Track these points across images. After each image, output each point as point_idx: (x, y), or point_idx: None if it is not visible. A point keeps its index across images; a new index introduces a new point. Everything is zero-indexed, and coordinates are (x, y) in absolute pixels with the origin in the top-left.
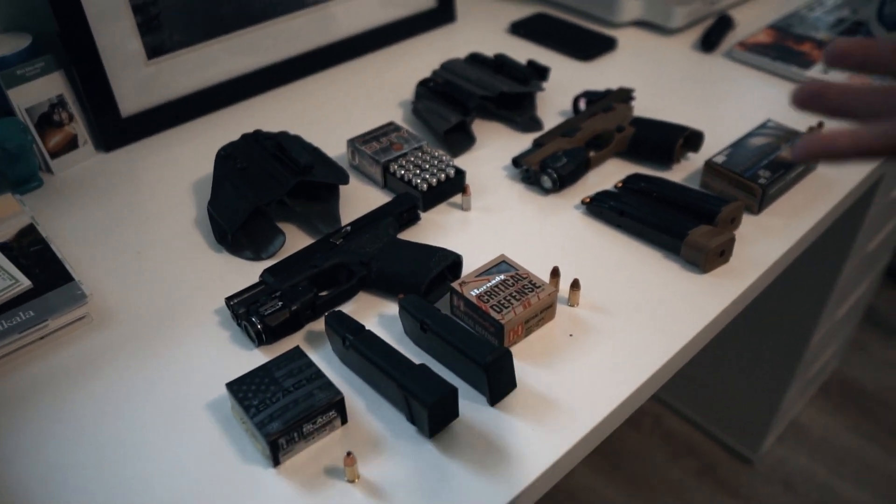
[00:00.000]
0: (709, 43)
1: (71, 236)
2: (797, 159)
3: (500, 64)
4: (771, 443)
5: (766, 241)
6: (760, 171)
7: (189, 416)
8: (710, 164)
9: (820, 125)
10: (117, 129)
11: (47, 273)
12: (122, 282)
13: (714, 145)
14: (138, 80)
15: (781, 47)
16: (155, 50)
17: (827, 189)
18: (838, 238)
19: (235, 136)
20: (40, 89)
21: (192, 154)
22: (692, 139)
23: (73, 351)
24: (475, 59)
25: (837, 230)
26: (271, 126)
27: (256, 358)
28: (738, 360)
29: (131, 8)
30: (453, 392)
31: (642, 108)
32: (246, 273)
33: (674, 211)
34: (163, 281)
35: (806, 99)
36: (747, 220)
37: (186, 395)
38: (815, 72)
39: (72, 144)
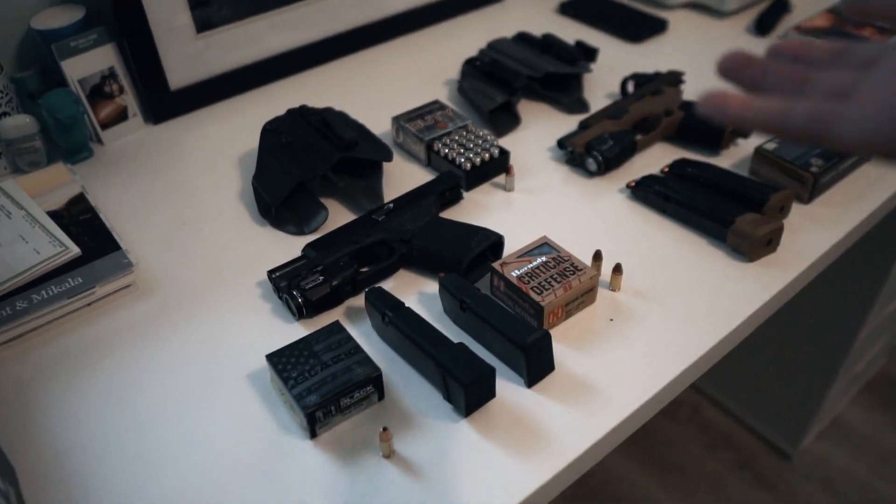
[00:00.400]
0: (763, 26)
1: (119, 206)
2: (703, 112)
3: (548, 44)
4: (811, 439)
5: (815, 231)
6: (812, 160)
7: (229, 386)
8: (760, 151)
9: None
10: (166, 102)
11: (95, 241)
12: (167, 252)
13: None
14: (187, 54)
15: (840, 31)
16: (204, 24)
17: (881, 180)
18: (891, 232)
19: (281, 112)
20: (92, 61)
21: (238, 128)
22: None
23: (118, 318)
24: (523, 38)
25: (890, 224)
26: (317, 102)
27: (297, 331)
28: (780, 352)
29: None
30: (491, 372)
31: (693, 92)
32: (289, 247)
33: (721, 198)
34: (207, 252)
35: (728, 69)
36: (797, 209)
37: (227, 364)
38: None
39: (122, 116)
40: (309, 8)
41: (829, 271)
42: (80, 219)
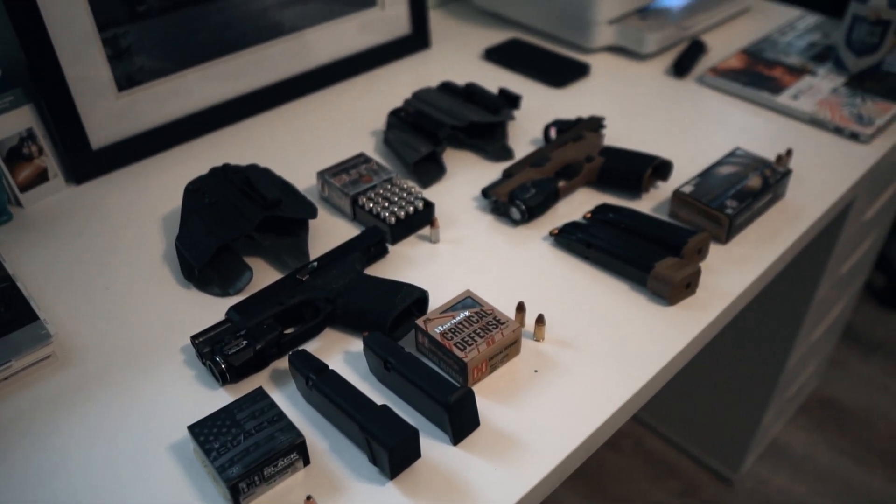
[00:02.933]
0: (681, 68)
1: (39, 271)
2: None
3: (471, 93)
4: (751, 462)
5: (733, 271)
6: (728, 201)
7: (153, 458)
8: (677, 194)
9: (789, 153)
10: (88, 162)
11: (12, 311)
12: (90, 319)
13: (685, 172)
14: (109, 112)
15: (752, 73)
16: (126, 81)
17: (795, 216)
18: (811, 261)
19: (207, 167)
20: (10, 123)
21: (163, 186)
22: (661, 168)
23: (37, 391)
24: (447, 87)
25: (810, 253)
26: (243, 157)
27: (221, 397)
28: (716, 380)
29: (101, 40)
30: (414, 434)
31: (614, 134)
32: (213, 309)
33: (642, 242)
34: (130, 318)
35: None
36: (715, 250)
37: (150, 436)
38: (785, 97)
39: (42, 177)
40: (235, 61)
41: (756, 301)
42: None
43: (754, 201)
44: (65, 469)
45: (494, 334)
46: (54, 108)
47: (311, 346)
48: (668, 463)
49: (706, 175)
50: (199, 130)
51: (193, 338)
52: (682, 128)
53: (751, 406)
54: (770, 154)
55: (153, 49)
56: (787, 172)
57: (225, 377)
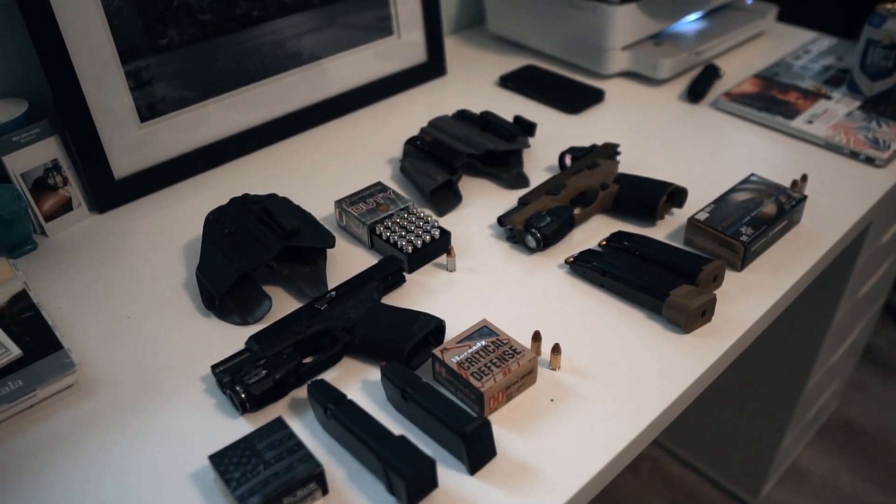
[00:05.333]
0: (695, 94)
1: (63, 300)
2: None
3: (487, 121)
4: (771, 487)
5: (749, 298)
6: (742, 228)
7: (173, 487)
8: (692, 221)
9: (804, 178)
10: (111, 191)
11: (37, 340)
12: (112, 347)
13: (700, 199)
14: (131, 142)
15: (767, 97)
16: (148, 112)
17: (811, 242)
18: (830, 283)
19: (228, 196)
20: (36, 154)
21: (184, 215)
22: (676, 195)
23: (59, 420)
24: (462, 115)
25: (828, 275)
26: (264, 185)
27: (241, 426)
28: (734, 404)
29: (124, 72)
30: (431, 464)
31: (629, 161)
32: (233, 337)
33: (657, 269)
34: (151, 346)
35: None
36: (730, 278)
37: (171, 465)
38: (800, 122)
39: (66, 207)
40: (253, 91)
41: (774, 325)
42: (21, 317)
43: (769, 228)
44: (87, 496)
45: (511, 364)
46: (78, 139)
47: (330, 376)
48: (687, 487)
49: (721, 202)
50: (220, 159)
51: (214, 367)
52: (697, 153)
53: (770, 428)
54: (785, 179)
55: (174, 80)
56: (803, 198)
57: (245, 406)
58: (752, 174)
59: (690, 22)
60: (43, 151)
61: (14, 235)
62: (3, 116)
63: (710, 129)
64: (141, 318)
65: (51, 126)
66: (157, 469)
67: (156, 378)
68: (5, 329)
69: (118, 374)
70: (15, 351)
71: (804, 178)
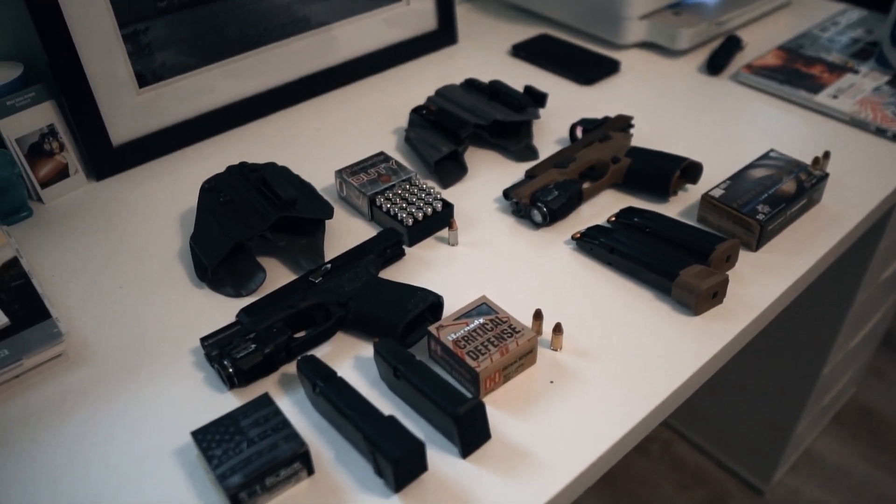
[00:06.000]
0: (715, 66)
1: (56, 268)
2: None
3: (496, 90)
4: (783, 473)
5: (763, 280)
6: (759, 206)
7: (157, 462)
8: (706, 198)
9: (826, 155)
10: (108, 158)
11: (26, 309)
12: (102, 317)
13: (715, 175)
14: (130, 109)
15: (790, 70)
16: (146, 78)
17: (832, 223)
18: (850, 266)
19: (228, 164)
20: (31, 119)
21: (183, 182)
22: (690, 170)
23: (46, 390)
24: (471, 84)
25: (849, 258)
26: (265, 153)
27: (229, 401)
28: (748, 387)
29: (121, 36)
30: (420, 447)
31: (644, 134)
32: (226, 309)
33: (667, 248)
34: (142, 317)
35: None
36: (745, 258)
37: (156, 439)
38: (824, 96)
39: (62, 173)
40: (256, 58)
41: (791, 308)
42: (11, 285)
43: (788, 207)
44: (70, 470)
45: (509, 343)
46: (75, 104)
47: (322, 351)
48: (697, 470)
49: (737, 178)
50: (221, 127)
51: (203, 339)
52: (715, 128)
53: (784, 413)
54: (806, 156)
55: (174, 45)
56: (824, 176)
57: (233, 381)
58: (772, 150)
59: None
60: (39, 116)
61: (7, 202)
62: None
63: (730, 102)
64: (133, 288)
65: (46, 90)
66: (142, 443)
67: (145, 350)
68: None
69: (107, 345)
70: (2, 319)
71: (826, 154)
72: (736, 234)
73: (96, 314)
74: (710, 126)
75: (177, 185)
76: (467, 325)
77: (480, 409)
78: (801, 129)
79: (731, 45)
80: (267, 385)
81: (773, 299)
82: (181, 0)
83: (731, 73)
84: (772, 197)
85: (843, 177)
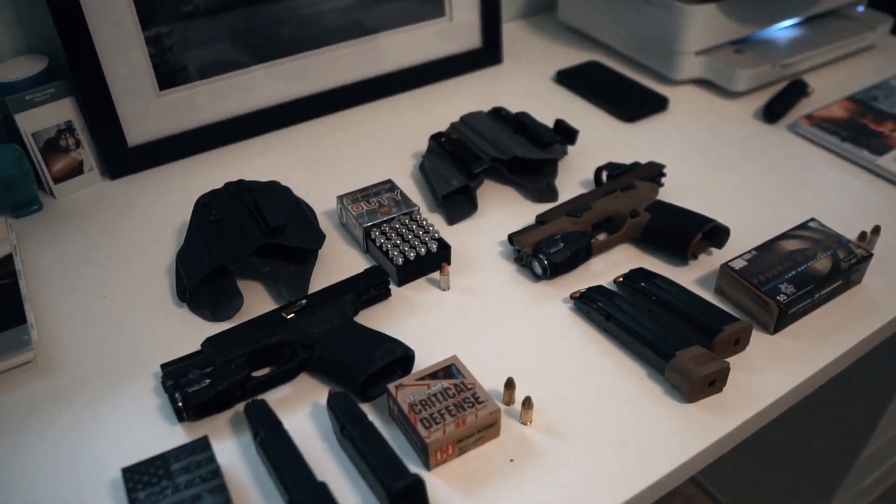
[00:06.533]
0: (772, 112)
1: (50, 267)
2: None
3: (521, 123)
4: None
5: (776, 368)
6: (783, 285)
7: (92, 492)
8: (725, 269)
9: (876, 230)
10: (123, 158)
11: (6, 311)
12: (79, 327)
13: (748, 239)
14: (148, 110)
15: (857, 125)
16: (167, 81)
17: (871, 309)
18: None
19: (243, 174)
20: (49, 115)
21: (195, 189)
22: (716, 233)
23: (9, 398)
24: (497, 114)
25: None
26: (279, 166)
27: (178, 434)
28: (781, 454)
29: (143, 38)
30: None
31: (679, 182)
32: (201, 333)
33: (672, 321)
34: (118, 331)
35: None
36: (760, 340)
37: (96, 466)
38: (889, 159)
39: (77, 170)
40: (283, 66)
41: (833, 382)
42: None
43: (817, 289)
44: (10, 485)
45: (468, 414)
46: (91, 102)
47: (282, 392)
48: None
49: (765, 249)
50: (241, 135)
51: (164, 366)
52: (759, 183)
53: (818, 488)
54: (856, 227)
55: (198, 49)
56: (867, 256)
57: (181, 415)
58: (812, 219)
59: (783, 28)
60: (57, 112)
61: (15, 196)
62: (20, 73)
63: (781, 156)
64: (117, 297)
65: (67, 86)
66: (83, 468)
67: (112, 367)
68: None
69: (78, 356)
70: None
71: (876, 230)
72: (753, 313)
73: (76, 321)
74: (754, 181)
75: (187, 191)
76: (429, 388)
77: (419, 486)
78: (856, 196)
79: (794, 91)
80: (219, 421)
81: (784, 393)
82: (206, 4)
83: (790, 122)
84: (800, 275)
85: (893, 255)
